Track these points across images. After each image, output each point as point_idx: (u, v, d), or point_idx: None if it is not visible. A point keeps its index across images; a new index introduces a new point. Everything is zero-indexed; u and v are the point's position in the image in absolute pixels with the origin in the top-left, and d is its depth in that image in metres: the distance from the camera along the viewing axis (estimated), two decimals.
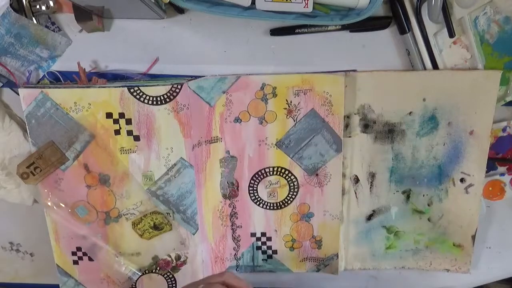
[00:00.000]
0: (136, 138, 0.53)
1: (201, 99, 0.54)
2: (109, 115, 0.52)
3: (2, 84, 0.54)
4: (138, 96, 0.51)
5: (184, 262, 0.59)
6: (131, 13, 0.51)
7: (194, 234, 0.58)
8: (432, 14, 0.50)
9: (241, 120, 0.56)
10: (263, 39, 0.54)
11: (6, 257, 0.63)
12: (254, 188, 0.59)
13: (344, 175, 0.59)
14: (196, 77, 0.54)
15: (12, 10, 0.48)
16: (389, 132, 0.57)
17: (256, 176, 0.58)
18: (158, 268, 0.59)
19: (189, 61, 0.55)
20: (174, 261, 0.59)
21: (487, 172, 0.59)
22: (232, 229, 0.61)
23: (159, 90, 0.51)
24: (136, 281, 0.59)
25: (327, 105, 0.55)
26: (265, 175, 0.58)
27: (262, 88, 0.54)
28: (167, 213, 0.56)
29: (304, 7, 0.48)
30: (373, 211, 0.61)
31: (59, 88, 0.51)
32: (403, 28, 0.52)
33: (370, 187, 0.59)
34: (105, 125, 0.52)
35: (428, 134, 0.57)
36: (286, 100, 0.55)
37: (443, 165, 0.58)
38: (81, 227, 0.56)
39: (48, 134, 0.52)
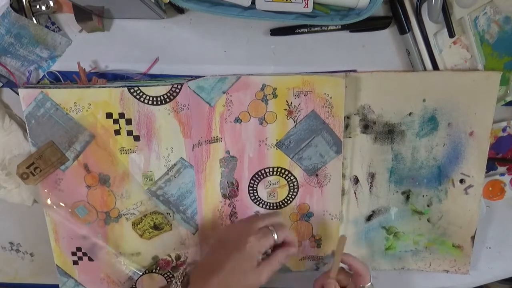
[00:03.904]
0: (136, 138, 0.53)
1: (201, 99, 0.54)
2: (109, 115, 0.52)
3: (2, 84, 0.54)
4: (138, 96, 0.51)
5: (184, 262, 0.59)
6: (131, 13, 0.51)
7: (194, 234, 0.58)
8: (432, 14, 0.50)
9: (241, 121, 0.56)
10: (263, 39, 0.54)
11: (6, 257, 0.63)
12: (254, 188, 0.59)
13: (343, 176, 0.59)
14: (196, 77, 0.54)
15: (12, 10, 0.48)
16: (389, 133, 0.57)
17: (256, 176, 0.58)
18: (158, 268, 0.59)
19: (189, 61, 0.55)
20: (174, 261, 0.59)
21: (487, 172, 0.59)
22: None
23: (159, 90, 0.51)
24: (136, 281, 0.59)
25: (327, 107, 0.55)
26: (265, 175, 0.58)
27: (262, 89, 0.54)
28: (167, 213, 0.56)
29: (304, 7, 0.48)
30: (373, 211, 0.61)
31: (59, 88, 0.51)
32: (403, 28, 0.52)
33: (370, 188, 0.59)
34: (105, 125, 0.52)
35: (428, 135, 0.57)
36: (287, 101, 0.55)
37: (443, 166, 0.58)
38: (81, 227, 0.56)
39: (48, 134, 0.52)
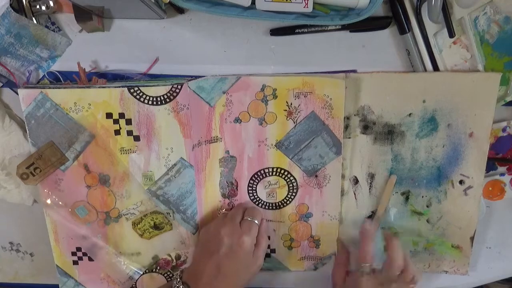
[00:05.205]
0: (136, 138, 0.53)
1: (201, 99, 0.54)
2: (109, 115, 0.52)
3: (2, 84, 0.54)
4: (138, 96, 0.51)
5: (184, 262, 0.60)
6: (131, 13, 0.51)
7: (194, 234, 0.58)
8: (432, 14, 0.50)
9: (241, 121, 0.56)
10: (263, 39, 0.54)
11: (6, 257, 0.63)
12: (254, 188, 0.59)
13: (343, 176, 0.59)
14: (196, 77, 0.54)
15: (12, 10, 0.48)
16: (388, 134, 0.57)
17: (256, 176, 0.58)
18: (158, 268, 0.59)
19: (189, 61, 0.55)
20: (174, 260, 0.59)
21: (487, 172, 0.59)
22: None
23: (159, 90, 0.51)
24: (137, 281, 0.59)
25: (327, 108, 0.55)
26: (264, 175, 0.58)
27: (262, 90, 0.54)
28: (167, 213, 0.56)
29: (304, 7, 0.48)
30: (372, 212, 0.61)
31: (59, 88, 0.51)
32: (403, 28, 0.52)
33: (369, 188, 0.59)
34: (105, 125, 0.52)
35: (428, 136, 0.57)
36: (286, 102, 0.55)
37: (442, 166, 0.58)
38: (81, 227, 0.56)
39: (48, 135, 0.52)
